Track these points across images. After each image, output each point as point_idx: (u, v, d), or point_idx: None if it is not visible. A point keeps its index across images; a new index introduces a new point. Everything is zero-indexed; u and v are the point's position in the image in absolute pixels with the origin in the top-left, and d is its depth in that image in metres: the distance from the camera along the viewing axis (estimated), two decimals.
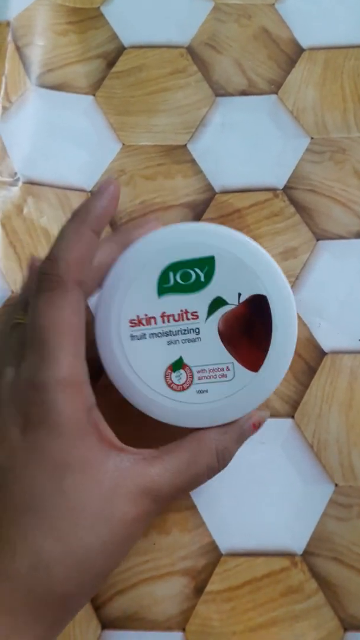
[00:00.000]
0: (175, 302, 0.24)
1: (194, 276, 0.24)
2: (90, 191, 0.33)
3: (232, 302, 0.23)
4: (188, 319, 0.24)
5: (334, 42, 0.35)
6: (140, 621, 0.26)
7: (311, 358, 0.29)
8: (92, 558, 0.21)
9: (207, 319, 0.23)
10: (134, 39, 0.36)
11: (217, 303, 0.23)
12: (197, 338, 0.24)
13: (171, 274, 0.24)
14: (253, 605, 0.27)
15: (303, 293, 0.30)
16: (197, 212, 0.32)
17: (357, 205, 0.32)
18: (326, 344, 0.30)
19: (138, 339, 0.24)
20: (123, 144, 0.34)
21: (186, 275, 0.24)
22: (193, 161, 0.33)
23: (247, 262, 0.23)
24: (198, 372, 0.24)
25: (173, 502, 0.28)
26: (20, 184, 0.33)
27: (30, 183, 0.33)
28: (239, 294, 0.23)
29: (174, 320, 0.24)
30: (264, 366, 0.23)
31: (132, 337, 0.24)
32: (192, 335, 0.24)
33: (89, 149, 0.34)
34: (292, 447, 0.28)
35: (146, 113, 0.34)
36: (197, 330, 0.24)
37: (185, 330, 0.24)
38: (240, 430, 0.25)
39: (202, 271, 0.23)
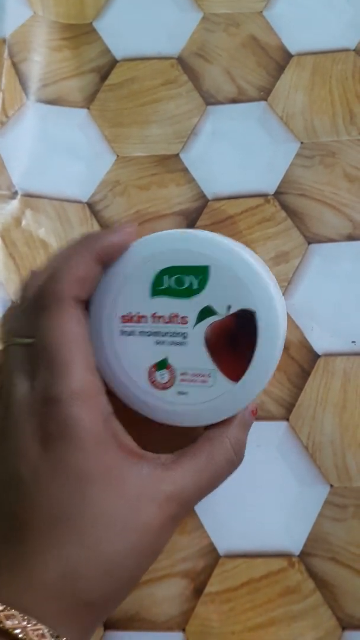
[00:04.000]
0: (167, 305, 0.24)
1: (187, 283, 0.24)
2: (87, 203, 0.34)
3: (221, 312, 0.24)
4: (177, 322, 0.24)
5: (321, 47, 0.35)
6: (141, 622, 0.27)
7: (305, 361, 0.30)
8: (120, 563, 0.21)
9: (195, 325, 0.24)
10: (125, 52, 0.36)
11: (207, 312, 0.24)
12: (184, 342, 0.24)
13: (165, 278, 0.24)
14: (252, 606, 0.27)
15: (296, 297, 0.31)
16: (191, 219, 0.33)
17: (347, 208, 0.32)
18: (319, 346, 0.30)
19: (128, 335, 0.24)
20: (117, 156, 0.35)
21: (180, 280, 0.24)
22: (185, 170, 0.34)
23: (240, 275, 0.23)
24: (181, 374, 0.24)
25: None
26: (18, 197, 0.34)
27: (29, 196, 0.34)
28: (229, 306, 0.24)
29: (164, 322, 0.24)
30: (244, 378, 0.23)
31: (123, 332, 0.24)
32: (179, 339, 0.24)
33: (84, 161, 0.35)
34: (288, 450, 0.29)
35: (139, 124, 0.35)
36: (184, 335, 0.24)
37: (173, 333, 0.24)
38: (243, 420, 0.26)
39: (195, 279, 0.24)
